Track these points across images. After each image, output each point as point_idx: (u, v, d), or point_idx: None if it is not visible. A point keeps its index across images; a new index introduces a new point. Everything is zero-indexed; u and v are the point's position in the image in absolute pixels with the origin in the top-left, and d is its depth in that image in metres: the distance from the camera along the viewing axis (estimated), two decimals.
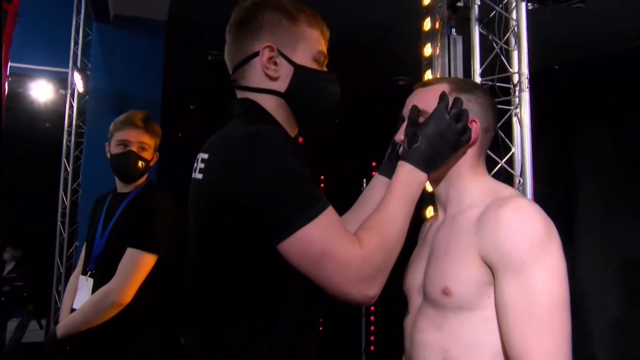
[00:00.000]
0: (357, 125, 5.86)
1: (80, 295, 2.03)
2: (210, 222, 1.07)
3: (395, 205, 1.09)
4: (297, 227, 0.97)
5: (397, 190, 1.11)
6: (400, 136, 1.24)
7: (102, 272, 2.00)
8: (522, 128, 2.29)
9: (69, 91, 5.18)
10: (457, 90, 1.22)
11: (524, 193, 2.26)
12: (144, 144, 2.09)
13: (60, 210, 5.16)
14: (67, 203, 5.09)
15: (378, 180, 1.37)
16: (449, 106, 1.15)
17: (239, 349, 1.04)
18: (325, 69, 1.23)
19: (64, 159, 5.18)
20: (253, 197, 0.99)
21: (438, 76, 2.35)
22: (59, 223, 5.16)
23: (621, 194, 4.54)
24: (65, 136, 5.18)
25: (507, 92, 2.44)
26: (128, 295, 1.90)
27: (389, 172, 1.28)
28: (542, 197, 5.04)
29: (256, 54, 1.16)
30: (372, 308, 6.13)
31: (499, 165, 2.38)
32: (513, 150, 2.39)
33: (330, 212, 1.01)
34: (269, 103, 1.17)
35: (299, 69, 1.16)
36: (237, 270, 1.05)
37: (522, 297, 1.02)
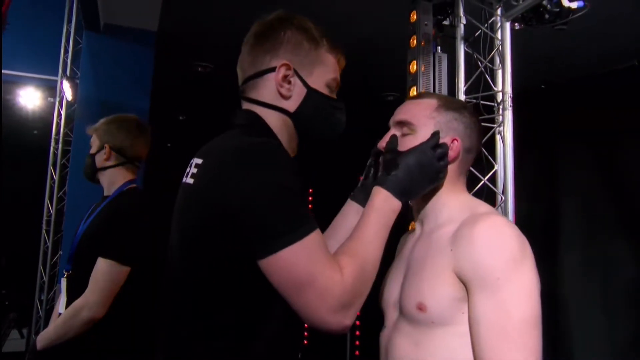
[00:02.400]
0: (347, 140, 5.90)
1: (62, 298, 2.03)
2: (196, 230, 1.05)
3: (371, 232, 1.08)
4: (282, 246, 0.95)
5: (372, 217, 1.10)
6: (382, 143, 1.26)
7: (74, 273, 2.00)
8: (505, 146, 2.32)
9: (58, 99, 5.16)
10: (445, 107, 1.24)
11: (505, 211, 2.28)
12: (91, 140, 2.17)
13: (45, 218, 5.11)
14: (53, 211, 5.05)
15: (350, 206, 1.36)
16: (436, 145, 1.18)
17: None
18: (335, 96, 1.24)
19: (50, 167, 5.14)
20: (242, 208, 0.97)
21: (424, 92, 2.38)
22: (43, 231, 5.11)
23: (604, 213, 4.58)
24: (52, 144, 5.15)
25: (491, 110, 2.47)
26: (101, 310, 1.86)
27: (362, 200, 1.28)
28: (526, 215, 5.11)
29: (272, 70, 1.16)
30: (358, 322, 6.11)
31: (482, 182, 2.40)
32: (496, 167, 2.41)
33: (317, 235, 0.99)
34: (274, 120, 1.17)
35: (311, 92, 1.17)
36: (218, 281, 1.03)
37: (494, 314, 1.03)
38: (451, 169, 1.24)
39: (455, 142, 1.22)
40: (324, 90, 1.20)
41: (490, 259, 1.05)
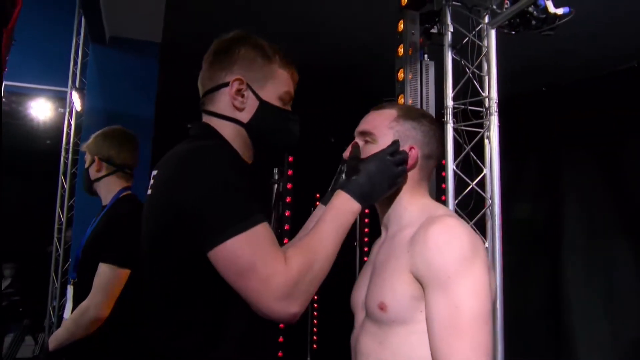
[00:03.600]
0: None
1: (68, 304, 2.14)
2: (158, 235, 1.15)
3: (326, 229, 1.15)
4: (226, 237, 1.02)
5: (329, 216, 1.18)
6: (346, 153, 1.33)
7: (79, 281, 2.12)
8: (492, 150, 2.36)
9: (67, 109, 5.30)
10: (404, 117, 1.30)
11: (492, 214, 2.32)
12: (84, 157, 2.29)
13: (56, 226, 5.24)
14: (64, 219, 5.17)
15: (320, 210, 1.44)
16: (394, 152, 1.25)
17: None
18: (289, 108, 1.32)
19: (61, 176, 5.27)
20: (190, 205, 1.06)
21: (410, 100, 2.43)
22: (55, 239, 5.23)
23: (606, 215, 4.59)
24: (62, 154, 5.28)
25: (480, 115, 2.52)
26: (105, 310, 1.97)
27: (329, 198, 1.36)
28: (528, 218, 5.13)
29: (226, 84, 1.26)
30: None
31: (470, 187, 2.45)
32: (485, 172, 2.45)
33: (262, 228, 1.06)
34: (228, 130, 1.26)
35: (263, 104, 1.26)
36: (184, 280, 1.11)
37: (445, 311, 1.08)
38: (411, 175, 1.30)
39: (413, 150, 1.28)
40: (276, 102, 1.28)
41: (442, 258, 1.10)
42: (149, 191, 1.21)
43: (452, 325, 1.07)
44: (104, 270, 2.00)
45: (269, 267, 1.03)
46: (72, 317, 2.03)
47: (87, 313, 1.97)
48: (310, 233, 1.15)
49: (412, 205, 1.29)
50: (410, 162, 1.27)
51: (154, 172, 1.22)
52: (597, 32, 4.13)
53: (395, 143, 1.26)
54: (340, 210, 1.18)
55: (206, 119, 1.29)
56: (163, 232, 1.13)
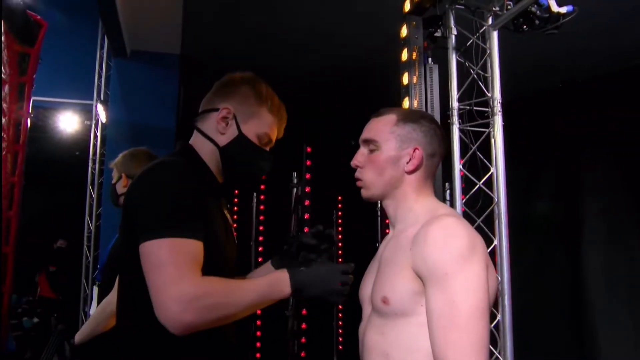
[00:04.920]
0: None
1: (93, 304, 2.30)
2: (122, 239, 1.30)
3: (253, 288, 1.27)
4: (154, 237, 1.16)
5: (262, 284, 1.29)
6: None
7: (103, 283, 2.30)
8: (496, 149, 2.41)
9: (93, 122, 5.49)
10: (404, 120, 1.36)
11: (498, 211, 2.37)
12: (112, 173, 2.46)
13: (86, 234, 5.44)
14: (92, 228, 5.36)
15: (265, 269, 1.54)
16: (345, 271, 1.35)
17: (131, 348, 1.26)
18: (266, 148, 1.47)
19: (89, 186, 5.47)
20: (137, 206, 1.23)
21: (415, 103, 2.49)
22: (85, 247, 5.43)
23: (626, 213, 4.54)
24: (90, 164, 5.48)
25: (486, 115, 2.56)
26: None
27: (278, 266, 1.49)
28: (546, 215, 5.09)
29: (217, 110, 1.43)
30: None
31: (477, 186, 2.49)
32: (492, 170, 2.50)
33: (192, 244, 1.18)
34: (207, 149, 1.43)
35: (241, 136, 1.42)
36: (134, 272, 1.22)
37: (443, 306, 1.14)
38: (417, 175, 1.35)
39: (417, 150, 1.34)
40: (254, 139, 1.44)
41: (440, 256, 1.16)
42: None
43: (450, 319, 1.13)
44: None
45: (182, 272, 1.14)
46: (94, 313, 2.20)
47: (107, 309, 2.11)
48: (241, 280, 1.29)
49: (417, 205, 1.34)
50: (415, 163, 1.33)
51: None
52: (604, 28, 4.10)
53: (350, 265, 1.37)
54: (271, 287, 1.29)
55: (194, 134, 1.46)
56: (123, 234, 1.29)
